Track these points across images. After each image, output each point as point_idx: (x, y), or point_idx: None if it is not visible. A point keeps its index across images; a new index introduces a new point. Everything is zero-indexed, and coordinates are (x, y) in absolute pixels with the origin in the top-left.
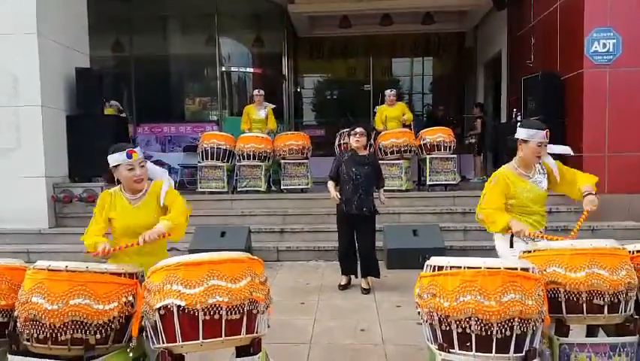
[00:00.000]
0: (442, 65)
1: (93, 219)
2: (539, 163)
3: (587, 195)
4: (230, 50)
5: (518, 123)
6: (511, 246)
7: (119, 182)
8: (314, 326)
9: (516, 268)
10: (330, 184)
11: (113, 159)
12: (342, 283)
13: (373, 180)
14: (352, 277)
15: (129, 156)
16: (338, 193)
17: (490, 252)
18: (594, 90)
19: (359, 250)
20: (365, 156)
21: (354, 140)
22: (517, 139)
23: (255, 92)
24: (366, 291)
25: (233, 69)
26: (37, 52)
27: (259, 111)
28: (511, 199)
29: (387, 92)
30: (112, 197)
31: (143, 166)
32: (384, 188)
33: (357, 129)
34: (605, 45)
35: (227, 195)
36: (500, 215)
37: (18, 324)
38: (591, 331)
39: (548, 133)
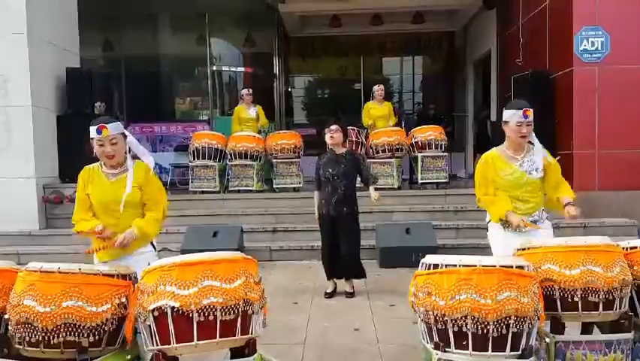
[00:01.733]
0: (432, 64)
1: (78, 204)
2: (540, 152)
3: (567, 204)
4: (220, 50)
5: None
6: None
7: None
8: (308, 326)
9: (511, 266)
10: (316, 198)
11: (90, 131)
12: (329, 291)
13: (353, 179)
14: (338, 283)
15: (99, 132)
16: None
17: (483, 250)
18: (583, 88)
19: (342, 253)
20: (342, 154)
21: (329, 137)
22: (503, 122)
23: (244, 91)
24: (351, 295)
25: (224, 68)
26: (27, 51)
27: (249, 110)
28: (493, 181)
29: (375, 87)
30: (90, 173)
31: (114, 143)
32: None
33: (332, 126)
34: (593, 43)
35: (219, 195)
36: (498, 204)
37: (10, 327)
38: (586, 328)
39: (529, 111)
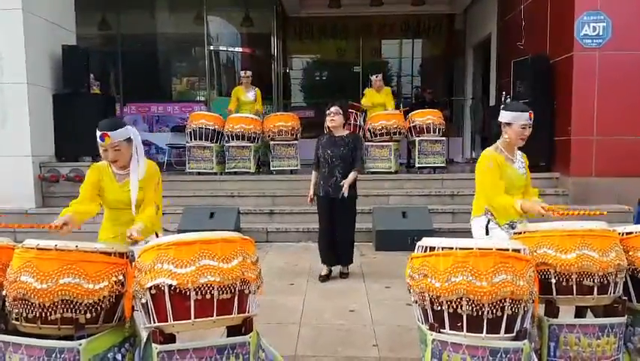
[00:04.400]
0: (432, 47)
1: (82, 192)
2: (519, 153)
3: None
4: (218, 29)
5: (501, 107)
6: (487, 233)
7: None
8: (304, 307)
9: (508, 249)
10: (313, 177)
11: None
12: (323, 274)
13: (352, 162)
14: (333, 268)
15: (102, 139)
16: (313, 193)
17: None
18: (583, 74)
19: (337, 238)
20: (342, 137)
21: (329, 119)
22: (501, 123)
23: (242, 73)
24: (345, 275)
25: (221, 48)
26: (22, 28)
27: (248, 93)
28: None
29: (372, 77)
30: (100, 171)
31: (117, 150)
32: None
33: (332, 108)
34: (595, 28)
35: (216, 176)
36: (511, 203)
37: (6, 303)
38: (579, 312)
39: (532, 115)
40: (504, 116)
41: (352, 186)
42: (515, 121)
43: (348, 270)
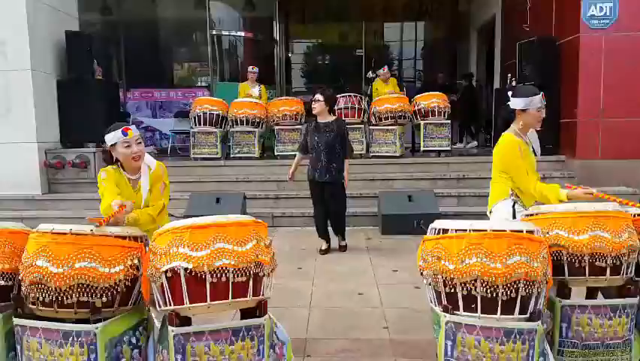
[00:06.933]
0: (435, 29)
1: (106, 194)
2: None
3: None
4: (220, 14)
5: (509, 93)
6: (514, 216)
7: (117, 161)
8: (312, 290)
9: (522, 231)
10: (296, 158)
11: (110, 138)
12: (323, 248)
13: (338, 147)
14: (332, 240)
15: (124, 134)
16: (292, 174)
17: (484, 218)
18: (590, 55)
19: (331, 212)
20: (328, 123)
21: (313, 107)
22: (514, 110)
23: (249, 68)
24: (343, 248)
25: (223, 33)
26: (24, 14)
27: (253, 88)
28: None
29: (380, 71)
30: (117, 176)
31: (140, 143)
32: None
33: (315, 95)
34: (602, 9)
35: (221, 162)
36: (553, 188)
37: (23, 288)
38: (590, 294)
39: (544, 96)
40: (517, 103)
41: (338, 170)
42: (530, 106)
43: (345, 243)
